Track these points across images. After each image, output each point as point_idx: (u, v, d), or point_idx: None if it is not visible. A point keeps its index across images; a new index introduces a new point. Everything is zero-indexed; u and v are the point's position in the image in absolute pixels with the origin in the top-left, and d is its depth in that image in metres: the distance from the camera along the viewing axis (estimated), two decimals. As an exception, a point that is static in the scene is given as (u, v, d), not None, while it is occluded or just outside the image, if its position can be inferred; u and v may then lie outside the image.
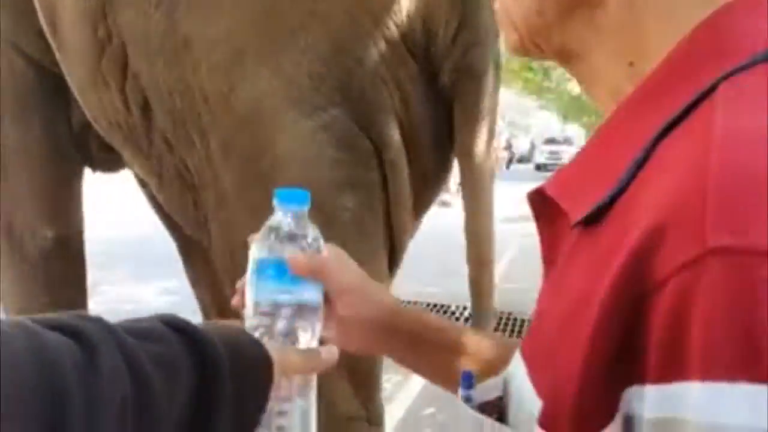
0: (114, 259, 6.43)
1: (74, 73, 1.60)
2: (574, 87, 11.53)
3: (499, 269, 4.55)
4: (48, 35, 1.63)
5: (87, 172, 2.10)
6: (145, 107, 1.45)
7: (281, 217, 0.56)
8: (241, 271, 0.61)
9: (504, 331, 4.26)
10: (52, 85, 1.75)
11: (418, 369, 0.66)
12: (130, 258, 6.13)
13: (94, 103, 1.55)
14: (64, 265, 1.97)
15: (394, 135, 1.29)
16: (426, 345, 0.62)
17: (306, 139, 1.25)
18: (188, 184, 1.49)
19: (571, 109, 18.30)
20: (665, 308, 0.28)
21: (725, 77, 0.33)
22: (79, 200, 1.96)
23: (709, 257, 0.26)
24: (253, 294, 0.55)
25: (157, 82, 1.39)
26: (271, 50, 1.26)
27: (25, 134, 1.79)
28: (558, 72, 12.16)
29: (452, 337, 0.62)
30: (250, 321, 0.56)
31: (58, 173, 1.89)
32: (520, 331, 4.20)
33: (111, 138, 1.64)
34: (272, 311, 0.54)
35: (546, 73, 13.70)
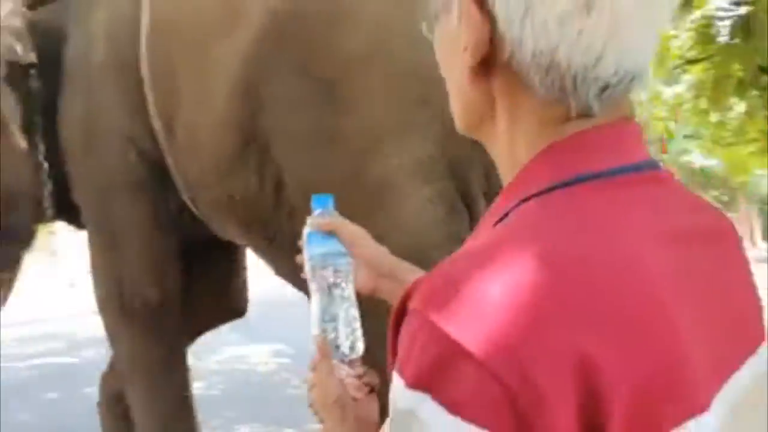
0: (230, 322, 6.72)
1: (197, 163, 1.99)
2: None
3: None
4: (161, 135, 2.02)
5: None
6: (278, 186, 1.81)
7: (317, 212, 0.83)
8: None
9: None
10: (158, 174, 2.12)
11: None
12: (244, 320, 6.39)
13: (220, 186, 1.92)
14: (170, 319, 2.31)
15: (482, 201, 1.66)
16: None
17: (426, 202, 1.63)
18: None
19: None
20: (403, 330, 0.44)
21: (521, 201, 0.47)
22: (177, 265, 2.31)
23: (411, 312, 0.43)
24: (307, 255, 0.80)
25: (295, 166, 1.76)
26: (404, 138, 1.65)
27: (136, 213, 2.19)
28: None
29: None
30: (310, 277, 0.79)
31: (161, 244, 2.26)
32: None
33: (217, 211, 2.01)
34: (321, 264, 0.78)
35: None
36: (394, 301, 0.79)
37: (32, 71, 2.22)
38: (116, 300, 2.28)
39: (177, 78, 1.97)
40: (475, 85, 0.50)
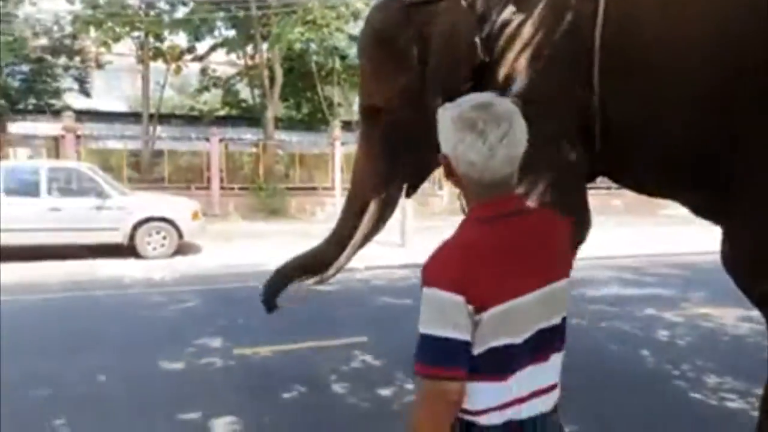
0: (694, 282, 6.72)
1: (658, 130, 2.70)
2: None
3: None
4: (598, 106, 2.76)
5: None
6: (734, 143, 2.52)
7: None
8: None
9: None
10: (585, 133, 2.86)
11: None
12: (707, 282, 6.29)
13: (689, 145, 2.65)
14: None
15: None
16: None
17: None
18: None
19: None
20: (424, 266, 1.26)
21: (466, 223, 1.30)
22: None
23: (426, 262, 1.25)
24: None
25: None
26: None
27: (573, 160, 2.90)
28: None
29: None
30: None
31: (583, 186, 3.00)
32: None
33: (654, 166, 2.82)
34: None
35: None
36: None
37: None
38: None
39: (634, 63, 2.63)
40: (450, 177, 1.31)
